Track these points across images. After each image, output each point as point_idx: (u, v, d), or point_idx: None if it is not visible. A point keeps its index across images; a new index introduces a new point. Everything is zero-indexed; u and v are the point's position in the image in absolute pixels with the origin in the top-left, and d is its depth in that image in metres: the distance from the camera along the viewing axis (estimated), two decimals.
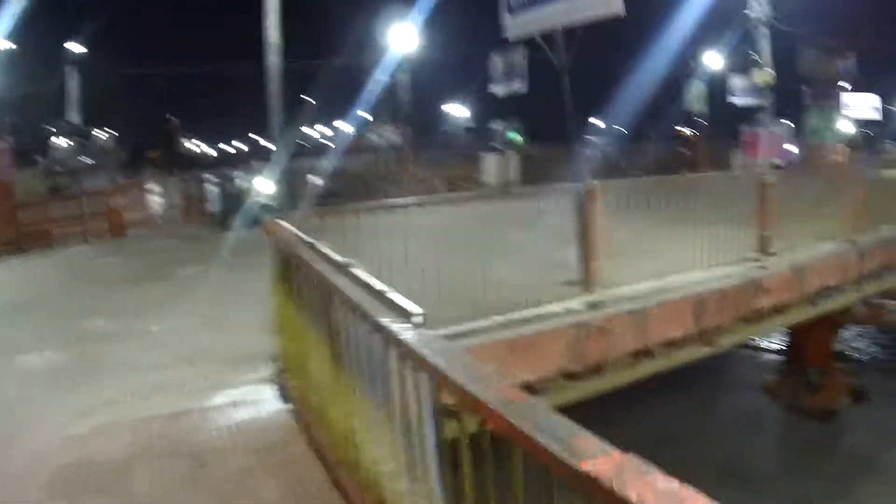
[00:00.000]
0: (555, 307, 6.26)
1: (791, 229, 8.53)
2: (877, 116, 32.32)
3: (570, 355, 5.97)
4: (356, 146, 35.94)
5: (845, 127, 32.37)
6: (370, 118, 38.25)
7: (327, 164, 19.13)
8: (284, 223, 4.74)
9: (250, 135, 56.06)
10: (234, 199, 14.01)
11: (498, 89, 20.10)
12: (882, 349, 16.22)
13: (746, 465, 11.26)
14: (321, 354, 3.61)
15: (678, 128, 36.24)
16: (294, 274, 4.27)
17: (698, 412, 13.21)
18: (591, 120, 70.73)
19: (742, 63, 27.73)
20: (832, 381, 14.17)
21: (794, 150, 28.85)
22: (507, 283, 6.07)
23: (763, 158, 28.35)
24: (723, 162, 26.16)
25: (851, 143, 30.30)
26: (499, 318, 5.65)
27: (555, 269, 6.82)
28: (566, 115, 12.99)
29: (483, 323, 5.54)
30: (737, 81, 28.59)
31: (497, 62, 19.80)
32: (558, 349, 5.89)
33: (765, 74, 10.26)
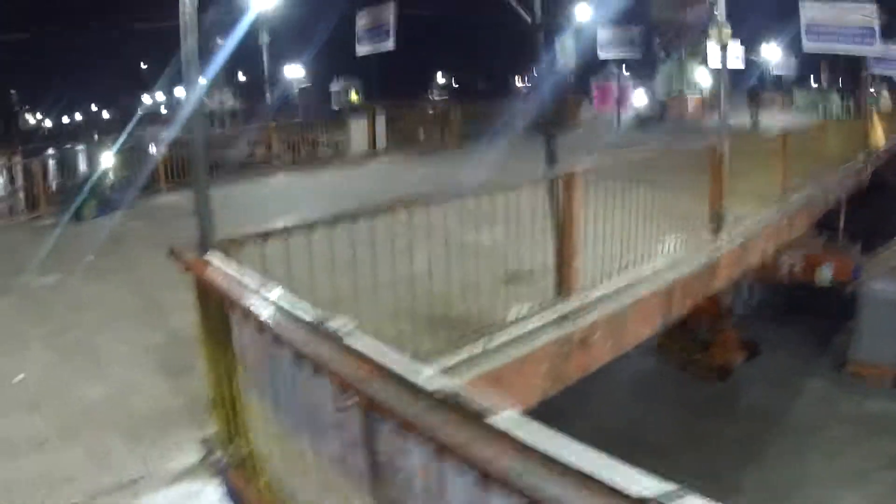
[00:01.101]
0: (535, 321, 5.26)
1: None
2: (740, 66, 33.36)
3: (552, 378, 5.08)
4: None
5: (703, 78, 33.24)
6: (206, 83, 35.93)
7: (167, 134, 17.07)
8: (214, 260, 3.41)
9: (93, 106, 51.52)
10: (83, 180, 11.95)
11: (364, 48, 18.58)
12: (766, 299, 16.60)
13: (647, 434, 10.97)
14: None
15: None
16: (244, 341, 3.03)
17: (590, 378, 12.88)
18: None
19: (612, 16, 27.66)
20: (724, 337, 14.32)
21: (644, 101, 29.32)
22: (468, 287, 4.98)
23: (612, 111, 28.92)
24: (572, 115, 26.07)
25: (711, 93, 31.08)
26: (476, 350, 4.61)
27: (516, 264, 5.75)
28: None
29: (463, 355, 4.48)
30: (604, 34, 28.52)
31: (363, 18, 18.25)
32: (541, 372, 4.96)
33: (726, 31, 9.61)
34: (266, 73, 18.76)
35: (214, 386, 3.48)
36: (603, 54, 28.87)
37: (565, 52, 25.27)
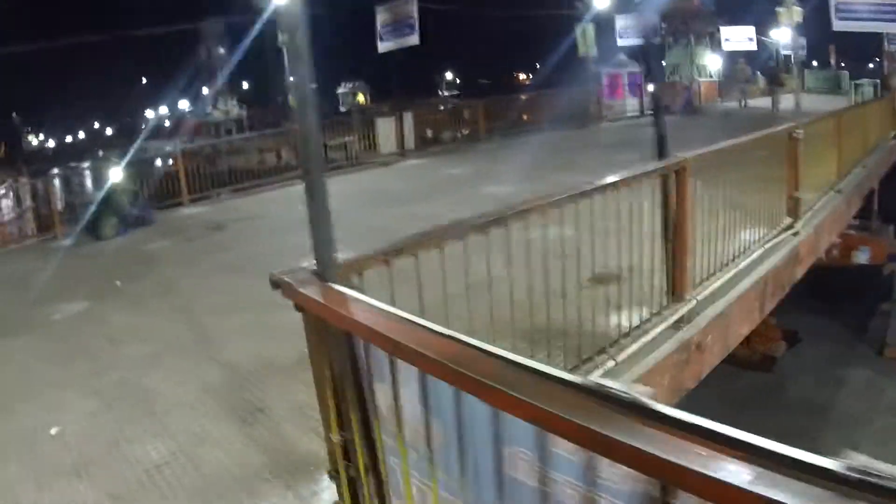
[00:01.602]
0: (653, 327, 4.49)
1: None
2: (752, 47, 32.57)
3: (671, 390, 4.58)
4: (197, 126, 33.19)
5: (712, 62, 32.37)
6: (212, 93, 35.83)
7: (173, 147, 16.22)
8: (338, 291, 2.44)
9: (95, 124, 51.07)
10: (95, 197, 11.04)
11: (387, 45, 17.62)
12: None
13: None
14: None
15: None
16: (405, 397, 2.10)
17: None
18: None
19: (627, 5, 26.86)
20: (764, 327, 13.54)
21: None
22: (554, 293, 3.99)
23: (623, 99, 27.94)
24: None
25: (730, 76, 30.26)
26: (609, 365, 3.89)
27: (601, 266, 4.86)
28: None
29: (598, 372, 3.67)
30: (622, 22, 27.64)
31: (384, 14, 17.31)
32: (664, 384, 4.46)
33: (794, 10, 9.06)
34: (286, 73, 17.83)
35: (338, 452, 2.53)
36: (622, 42, 27.96)
37: (586, 41, 24.40)
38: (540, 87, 36.11)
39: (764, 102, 28.84)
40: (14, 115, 43.64)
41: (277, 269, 2.58)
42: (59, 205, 11.77)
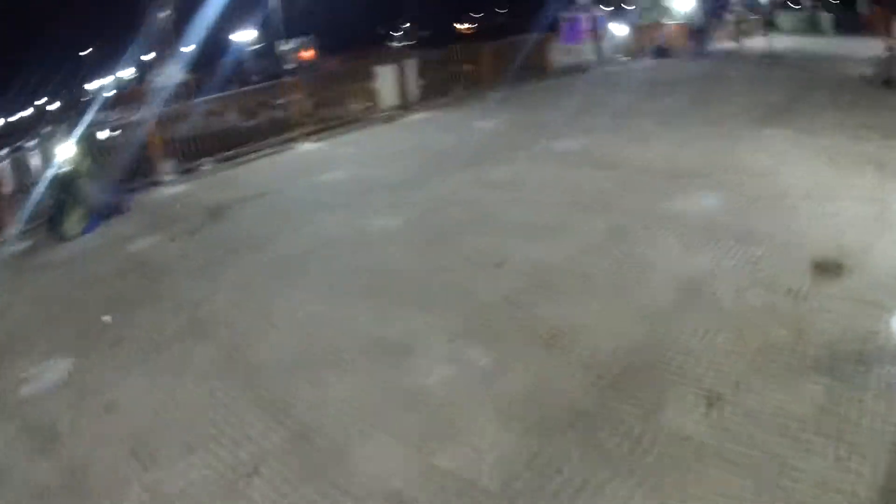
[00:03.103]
0: None
1: None
2: None
3: None
4: (135, 93, 29.97)
5: (682, 5, 29.61)
6: (158, 59, 32.93)
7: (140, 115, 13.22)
8: None
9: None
10: (58, 185, 8.17)
11: None
12: None
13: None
14: None
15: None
16: None
17: None
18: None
19: None
20: None
21: (624, 31, 24.88)
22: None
23: (584, 41, 24.80)
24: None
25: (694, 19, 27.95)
26: None
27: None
28: None
29: None
30: None
31: None
32: None
33: None
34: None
35: None
36: None
37: None
38: (489, 35, 32.98)
39: (753, 43, 26.90)
40: None
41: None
42: (10, 197, 8.86)
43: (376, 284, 5.00)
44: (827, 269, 4.49)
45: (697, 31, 24.55)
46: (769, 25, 28.58)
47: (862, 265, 4.49)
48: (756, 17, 33.87)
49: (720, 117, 10.27)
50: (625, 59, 22.36)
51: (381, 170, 9.08)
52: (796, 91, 13.05)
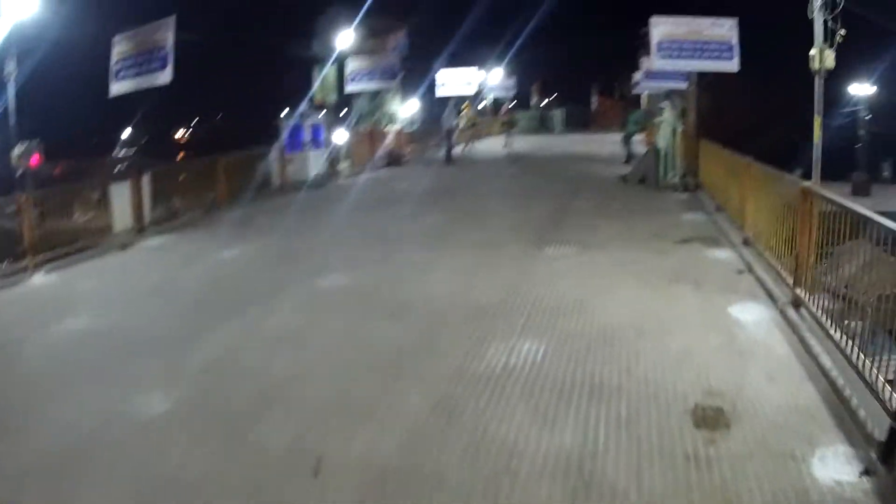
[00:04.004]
0: None
1: None
2: (470, 91, 32.78)
3: None
4: None
5: (404, 110, 30.55)
6: None
7: None
8: None
9: None
10: None
11: (123, 85, 12.97)
12: None
13: None
14: None
15: None
16: None
17: None
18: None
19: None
20: None
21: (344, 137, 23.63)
22: None
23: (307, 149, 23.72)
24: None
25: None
26: None
27: None
28: None
29: None
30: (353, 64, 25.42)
31: (124, 45, 12.73)
32: None
33: (830, 54, 8.22)
34: None
35: None
36: (352, 87, 25.56)
37: (325, 86, 21.94)
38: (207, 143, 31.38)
39: (486, 145, 29.20)
40: None
41: None
42: None
43: None
44: (710, 420, 4.22)
45: (447, 136, 25.16)
46: (509, 126, 30.71)
47: (745, 408, 4.32)
48: (485, 118, 36.54)
49: (492, 238, 10.36)
50: (352, 169, 21.99)
51: (134, 317, 7.64)
52: (560, 200, 13.67)
